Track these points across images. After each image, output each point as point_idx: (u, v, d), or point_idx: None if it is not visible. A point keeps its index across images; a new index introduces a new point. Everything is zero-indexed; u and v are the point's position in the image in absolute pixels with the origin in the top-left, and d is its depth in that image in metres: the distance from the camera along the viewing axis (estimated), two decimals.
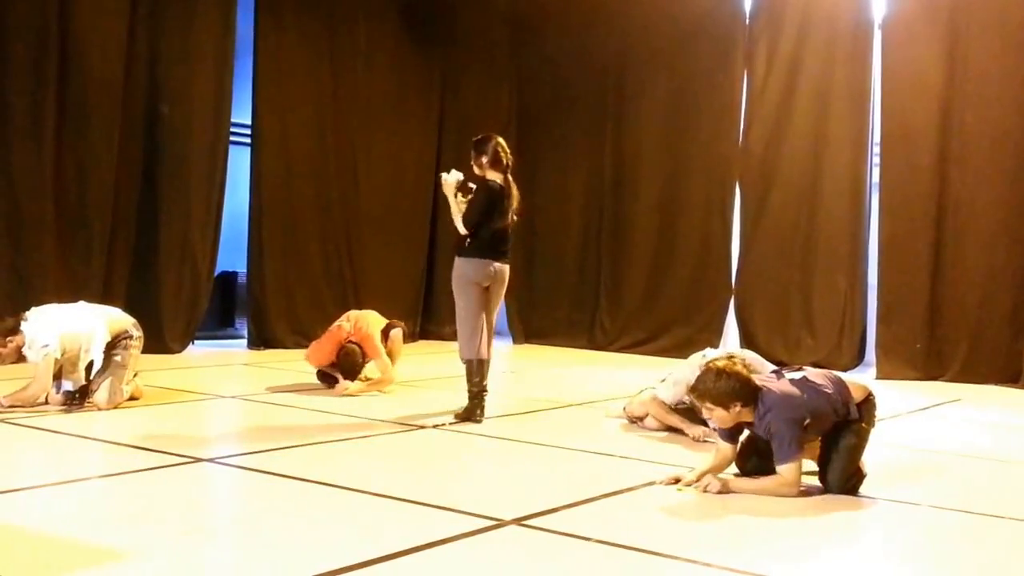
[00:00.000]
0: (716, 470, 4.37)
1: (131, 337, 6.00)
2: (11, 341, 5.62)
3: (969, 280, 8.75)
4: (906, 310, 8.98)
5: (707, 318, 10.06)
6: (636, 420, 5.88)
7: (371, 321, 7.06)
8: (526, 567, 3.31)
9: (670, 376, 5.75)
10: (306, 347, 7.46)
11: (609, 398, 6.92)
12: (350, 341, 6.87)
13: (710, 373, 4.26)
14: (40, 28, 8.04)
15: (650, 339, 10.37)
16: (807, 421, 4.24)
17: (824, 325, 9.45)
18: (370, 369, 7.05)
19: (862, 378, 4.69)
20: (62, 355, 5.70)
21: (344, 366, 6.85)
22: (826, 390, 4.33)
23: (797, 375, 4.41)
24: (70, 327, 5.74)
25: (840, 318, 9.37)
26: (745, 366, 4.31)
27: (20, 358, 5.70)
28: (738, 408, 4.22)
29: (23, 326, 5.65)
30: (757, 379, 4.31)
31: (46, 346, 5.62)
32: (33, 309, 5.82)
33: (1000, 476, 5.09)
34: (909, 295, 8.97)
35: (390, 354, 6.96)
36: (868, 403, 4.44)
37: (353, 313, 7.20)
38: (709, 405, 4.26)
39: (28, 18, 7.99)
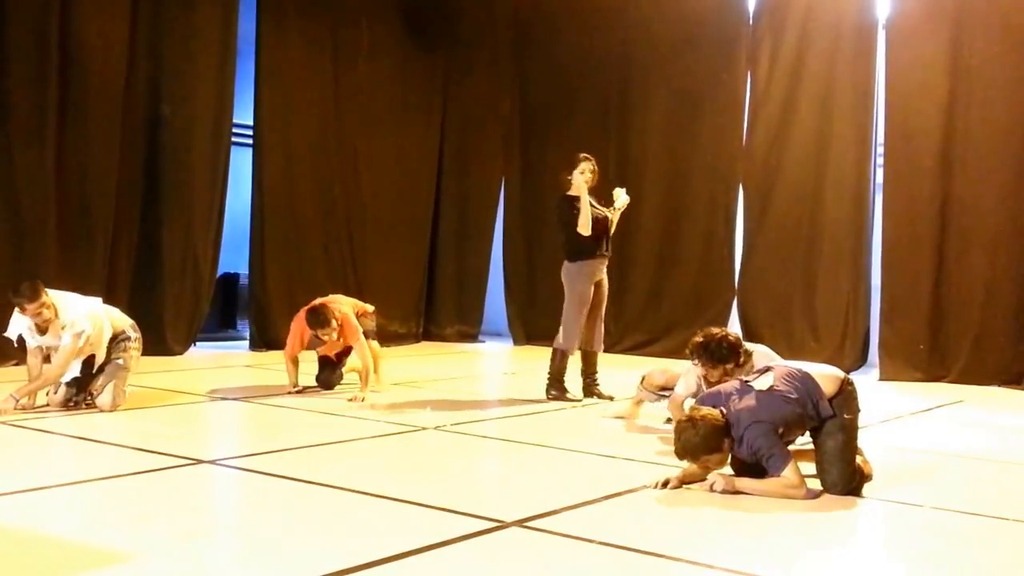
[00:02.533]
0: (698, 474, 4.35)
1: (129, 339, 5.98)
2: (44, 304, 5.56)
3: (973, 281, 8.72)
4: (909, 311, 8.95)
5: (710, 319, 9.94)
6: (659, 391, 5.82)
7: (342, 301, 7.04)
8: (527, 569, 3.30)
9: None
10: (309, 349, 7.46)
11: (609, 399, 6.92)
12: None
13: (685, 431, 4.20)
14: (41, 30, 8.03)
15: (653, 340, 10.34)
16: (780, 430, 4.23)
17: (827, 326, 9.43)
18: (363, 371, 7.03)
19: (835, 368, 4.59)
20: None
21: (314, 323, 6.68)
22: (791, 395, 4.27)
23: (764, 384, 4.33)
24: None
25: (843, 319, 9.35)
26: (704, 413, 4.25)
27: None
28: (727, 442, 4.22)
29: (55, 298, 5.64)
30: (714, 405, 4.27)
31: (83, 332, 5.65)
32: (50, 291, 5.75)
33: (1003, 478, 5.07)
34: (912, 296, 8.94)
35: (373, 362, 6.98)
36: (843, 394, 4.37)
37: (318, 301, 6.98)
38: (705, 457, 4.23)
39: (30, 20, 7.98)
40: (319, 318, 6.69)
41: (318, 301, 6.94)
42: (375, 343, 7.13)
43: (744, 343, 5.26)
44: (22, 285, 5.62)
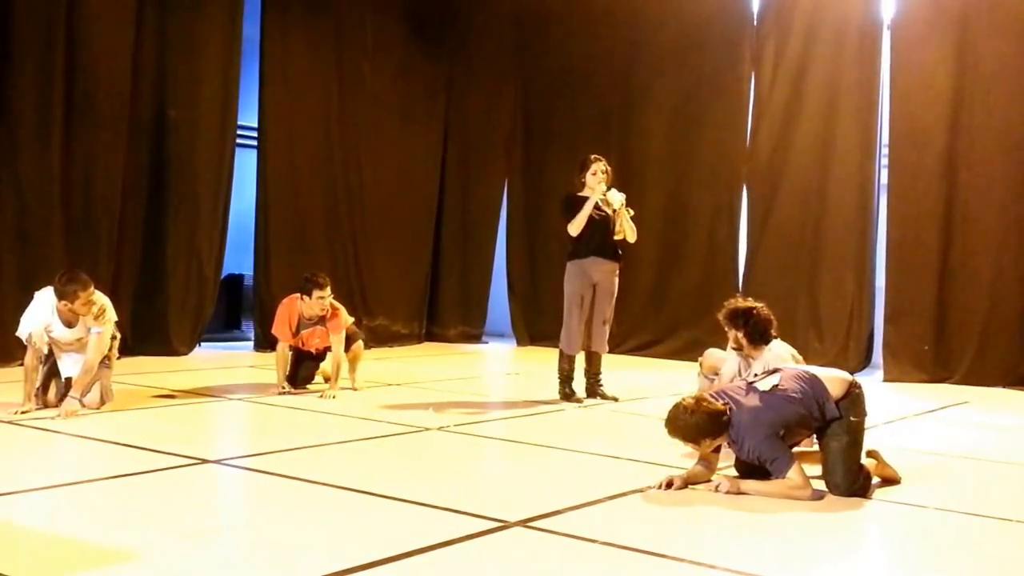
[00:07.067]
0: (702, 475, 4.36)
1: (115, 337, 5.99)
2: (93, 292, 5.56)
3: (977, 282, 8.72)
4: (914, 312, 8.94)
5: (714, 320, 9.86)
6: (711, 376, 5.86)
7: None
8: (531, 569, 3.30)
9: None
10: None
11: (613, 400, 6.92)
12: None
13: (681, 413, 4.23)
14: (47, 34, 8.03)
15: (656, 342, 10.35)
16: (782, 432, 4.24)
17: (831, 327, 9.42)
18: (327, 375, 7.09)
19: (843, 372, 4.66)
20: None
21: (311, 285, 6.75)
22: (795, 395, 4.29)
23: (768, 384, 4.35)
24: None
25: (847, 320, 9.34)
26: (709, 401, 4.27)
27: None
28: (720, 437, 4.25)
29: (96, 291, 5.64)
30: (722, 401, 4.27)
31: (113, 320, 5.69)
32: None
33: (1007, 479, 5.07)
34: (917, 297, 8.93)
35: (352, 360, 7.05)
36: (850, 396, 4.38)
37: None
38: (693, 445, 4.31)
39: (35, 24, 7.98)
40: (317, 279, 6.77)
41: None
42: (360, 343, 7.19)
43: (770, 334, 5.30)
44: (70, 276, 5.55)
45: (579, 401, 6.82)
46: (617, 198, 6.85)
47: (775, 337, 5.33)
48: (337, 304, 6.95)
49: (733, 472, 4.47)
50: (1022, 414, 7.25)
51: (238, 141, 9.54)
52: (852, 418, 4.35)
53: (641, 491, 4.28)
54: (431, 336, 11.19)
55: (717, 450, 4.39)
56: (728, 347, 5.54)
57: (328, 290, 6.80)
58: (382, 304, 10.55)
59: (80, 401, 5.61)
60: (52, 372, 5.82)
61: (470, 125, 11.35)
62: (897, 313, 9.02)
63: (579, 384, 6.96)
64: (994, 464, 5.34)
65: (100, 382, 5.80)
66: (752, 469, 4.36)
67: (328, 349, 6.96)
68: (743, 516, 3.97)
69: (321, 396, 6.66)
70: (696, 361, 6.30)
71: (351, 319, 7.26)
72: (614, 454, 5.11)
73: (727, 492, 4.20)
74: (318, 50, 10.07)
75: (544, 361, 9.62)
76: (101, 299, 5.69)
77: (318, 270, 7.33)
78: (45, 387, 5.81)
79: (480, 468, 5.07)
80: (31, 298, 5.80)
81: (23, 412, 5.53)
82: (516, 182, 11.39)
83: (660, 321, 10.40)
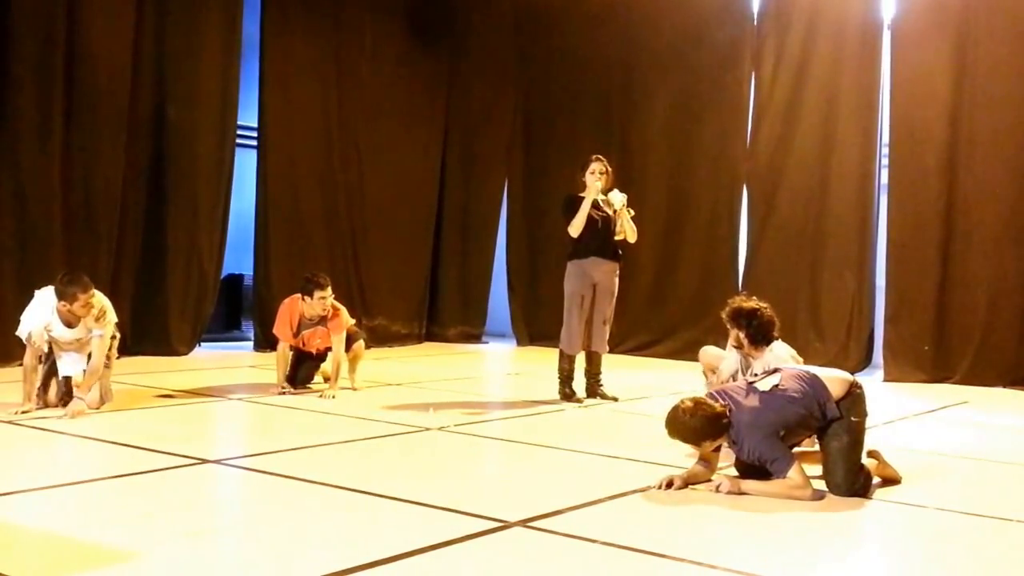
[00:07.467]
0: (703, 475, 4.37)
1: (114, 337, 5.98)
2: (93, 295, 5.57)
3: (977, 282, 8.71)
4: (914, 312, 8.94)
5: (714, 320, 9.86)
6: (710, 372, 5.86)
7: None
8: (531, 569, 3.30)
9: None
10: None
11: (613, 400, 6.92)
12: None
13: (679, 415, 4.25)
14: (47, 31, 8.04)
15: (656, 341, 10.34)
16: (782, 432, 4.25)
17: (832, 327, 9.42)
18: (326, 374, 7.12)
19: (844, 372, 4.69)
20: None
21: (312, 286, 6.76)
22: (796, 395, 4.29)
23: (768, 385, 4.36)
24: None
25: (848, 320, 9.34)
26: (708, 402, 4.29)
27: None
28: (720, 438, 4.28)
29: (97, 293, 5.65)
30: (722, 402, 4.28)
31: (114, 322, 5.70)
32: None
33: (1007, 479, 5.06)
34: (917, 297, 8.93)
35: (352, 360, 7.07)
36: (851, 396, 4.38)
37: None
38: (693, 446, 4.34)
39: (35, 22, 7.99)
40: (318, 279, 6.78)
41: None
42: (360, 343, 7.20)
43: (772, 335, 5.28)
44: (71, 277, 5.57)
45: (579, 401, 6.82)
46: (618, 198, 6.85)
47: (777, 338, 5.33)
48: (338, 304, 6.96)
49: (733, 472, 4.47)
50: (1022, 414, 7.25)
51: (238, 141, 9.54)
52: (853, 418, 4.35)
53: (641, 491, 4.29)
54: (431, 336, 11.19)
55: (718, 449, 4.40)
56: (728, 345, 5.53)
57: (329, 290, 6.81)
58: (382, 304, 10.55)
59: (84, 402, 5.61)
60: (52, 372, 5.82)
61: (470, 125, 11.35)
62: (897, 312, 9.02)
63: (579, 384, 6.96)
64: (994, 464, 5.34)
65: (100, 382, 5.79)
66: (752, 469, 4.35)
67: (329, 349, 6.96)
68: (743, 516, 3.97)
69: (321, 396, 6.66)
70: (696, 361, 6.30)
71: (352, 320, 7.26)
72: (614, 454, 5.11)
73: (727, 492, 4.20)
74: (318, 50, 10.07)
75: (544, 361, 9.62)
76: (101, 301, 5.69)
77: (318, 270, 7.34)
78: (45, 387, 5.80)
79: (480, 468, 5.07)
80: (31, 298, 5.80)
81: (23, 412, 5.54)
82: (516, 182, 11.40)
83: (660, 321, 10.40)
